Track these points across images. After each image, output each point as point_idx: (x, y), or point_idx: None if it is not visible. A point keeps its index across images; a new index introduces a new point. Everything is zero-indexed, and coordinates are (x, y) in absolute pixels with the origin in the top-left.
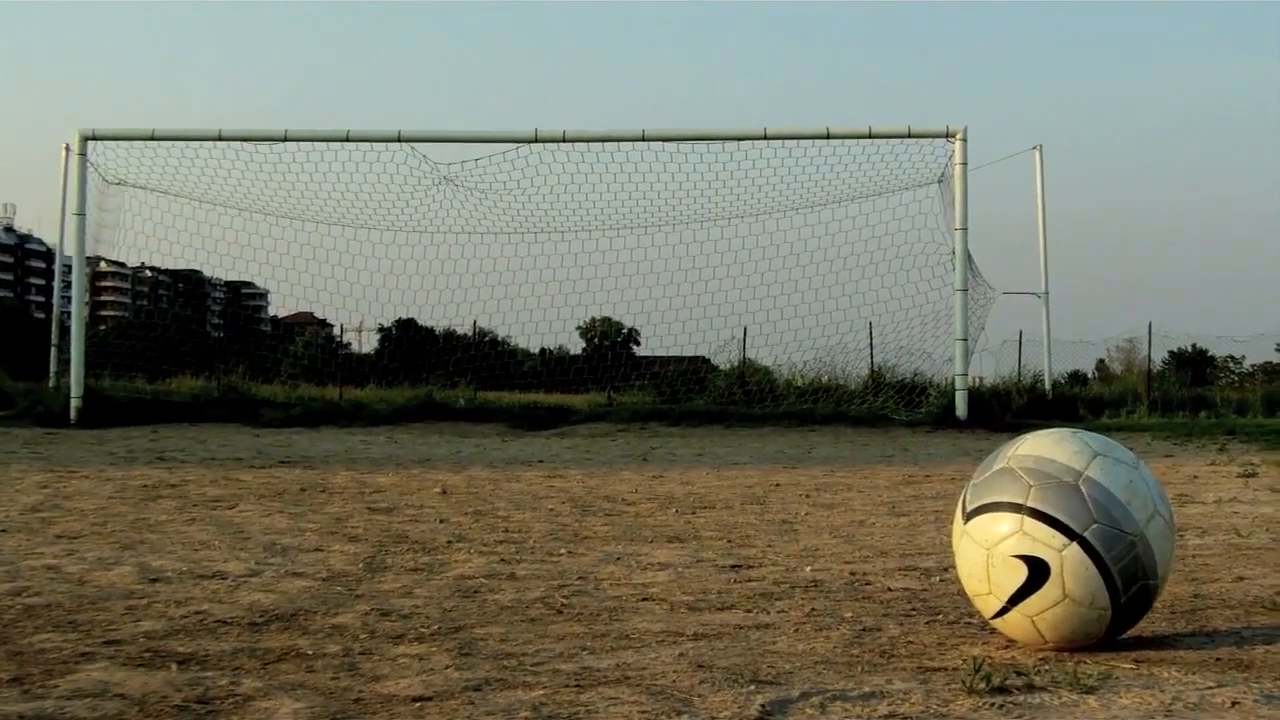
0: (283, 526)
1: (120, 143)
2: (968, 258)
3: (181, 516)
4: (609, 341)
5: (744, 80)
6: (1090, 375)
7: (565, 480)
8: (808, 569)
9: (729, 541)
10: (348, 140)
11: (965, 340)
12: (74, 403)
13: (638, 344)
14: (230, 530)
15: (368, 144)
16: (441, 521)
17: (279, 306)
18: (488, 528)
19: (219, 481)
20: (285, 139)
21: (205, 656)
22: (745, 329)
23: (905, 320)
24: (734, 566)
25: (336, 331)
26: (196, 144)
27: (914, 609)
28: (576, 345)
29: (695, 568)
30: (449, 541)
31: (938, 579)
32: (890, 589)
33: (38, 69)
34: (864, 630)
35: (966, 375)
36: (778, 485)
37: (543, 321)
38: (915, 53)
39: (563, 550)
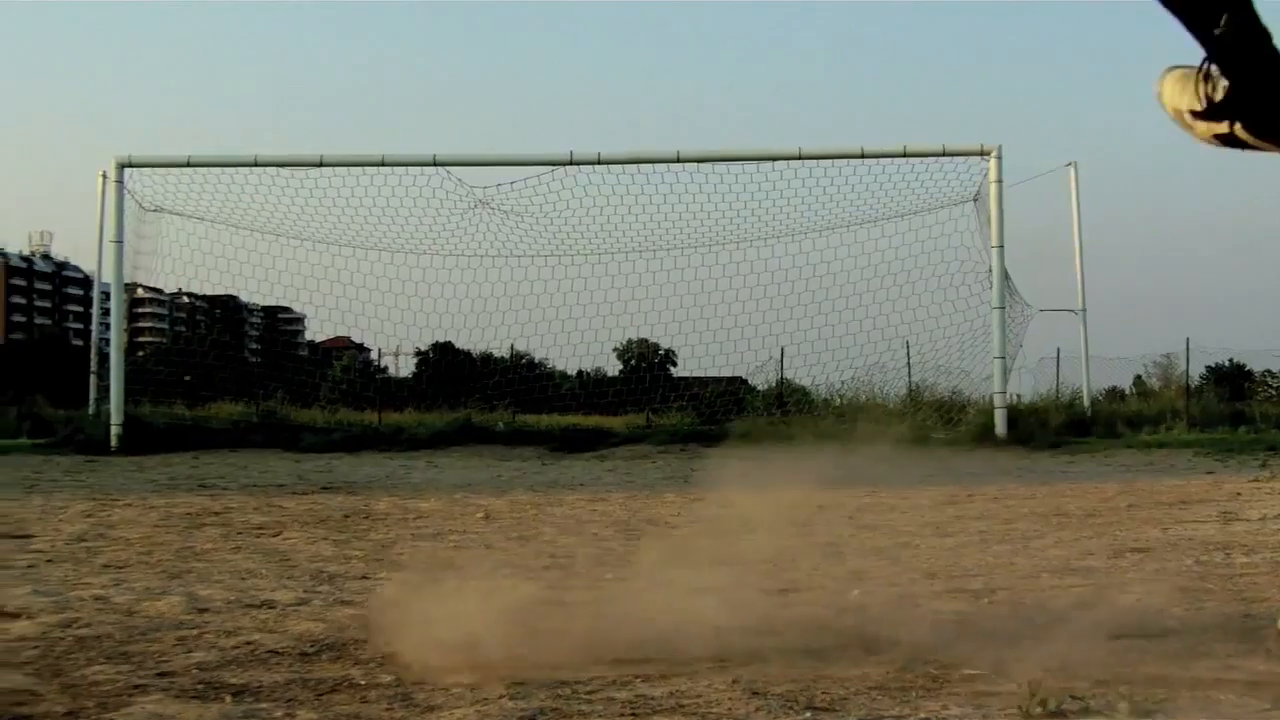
0: (329, 554)
1: (157, 170)
2: (1005, 275)
3: (227, 545)
4: (646, 363)
5: (779, 101)
6: (1128, 391)
7: (608, 504)
8: (855, 592)
9: (775, 565)
10: (383, 165)
11: (1003, 358)
12: (114, 430)
13: (674, 365)
14: (276, 558)
15: (403, 168)
16: (487, 547)
17: (316, 331)
18: (533, 553)
19: (262, 508)
20: (321, 164)
21: (259, 688)
22: (783, 349)
23: (943, 339)
24: (781, 590)
25: (374, 355)
26: (232, 170)
27: (964, 631)
28: (614, 367)
29: (743, 592)
30: (495, 567)
31: (987, 600)
32: (940, 611)
33: (72, 97)
34: (915, 655)
35: (1005, 393)
36: (821, 507)
37: (580, 344)
38: (949, 71)
39: (610, 575)
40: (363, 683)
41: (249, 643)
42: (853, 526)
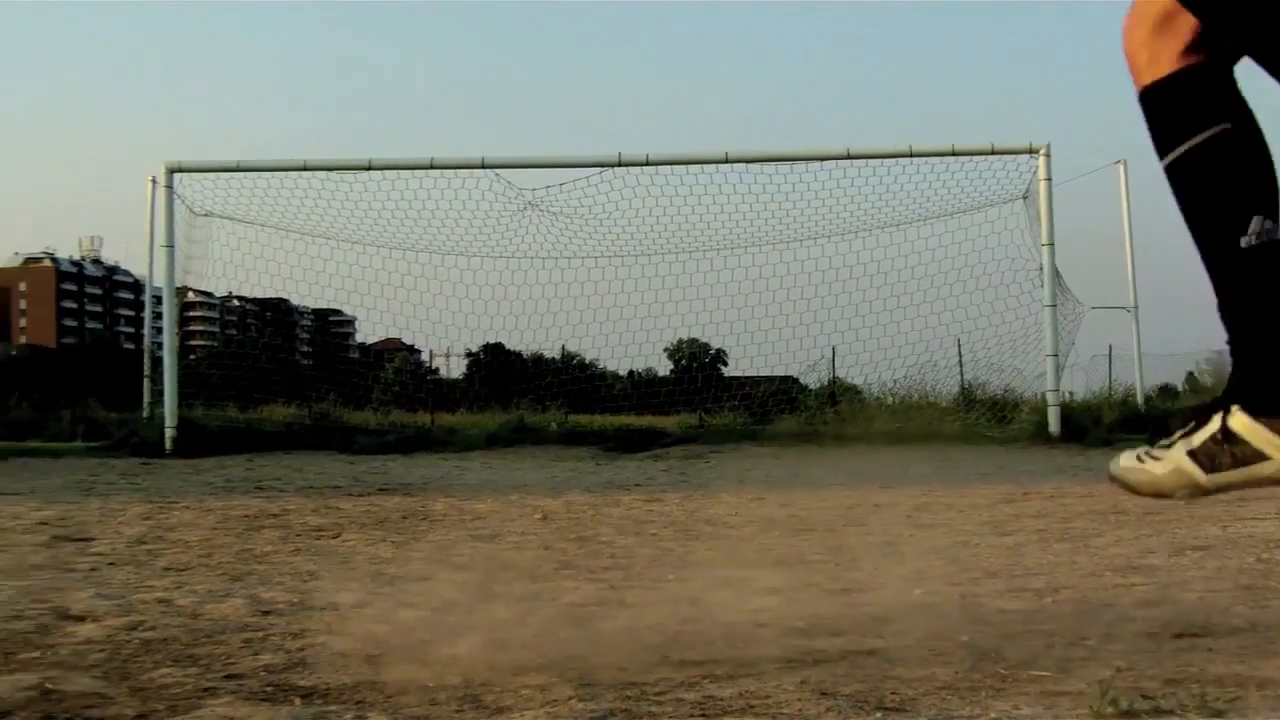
0: (388, 555)
1: (206, 174)
2: (1055, 273)
3: (286, 547)
4: (697, 362)
5: (826, 100)
6: (1181, 388)
7: (664, 504)
8: (917, 591)
9: (836, 565)
10: (432, 168)
11: (1056, 356)
12: (169, 433)
13: (725, 364)
14: (337, 560)
15: (452, 171)
16: (546, 548)
17: (367, 333)
18: (593, 554)
19: (320, 510)
20: (369, 168)
21: (327, 690)
22: (834, 348)
23: (995, 337)
24: (843, 590)
25: (425, 357)
26: (281, 174)
27: (1029, 630)
28: (664, 367)
29: (805, 592)
30: (555, 569)
31: (1050, 600)
32: (1003, 610)
33: (121, 103)
34: (982, 655)
35: (1058, 391)
36: (877, 506)
37: (631, 344)
38: (997, 69)
39: (671, 576)
40: (431, 684)
41: (314, 645)
42: (911, 525)
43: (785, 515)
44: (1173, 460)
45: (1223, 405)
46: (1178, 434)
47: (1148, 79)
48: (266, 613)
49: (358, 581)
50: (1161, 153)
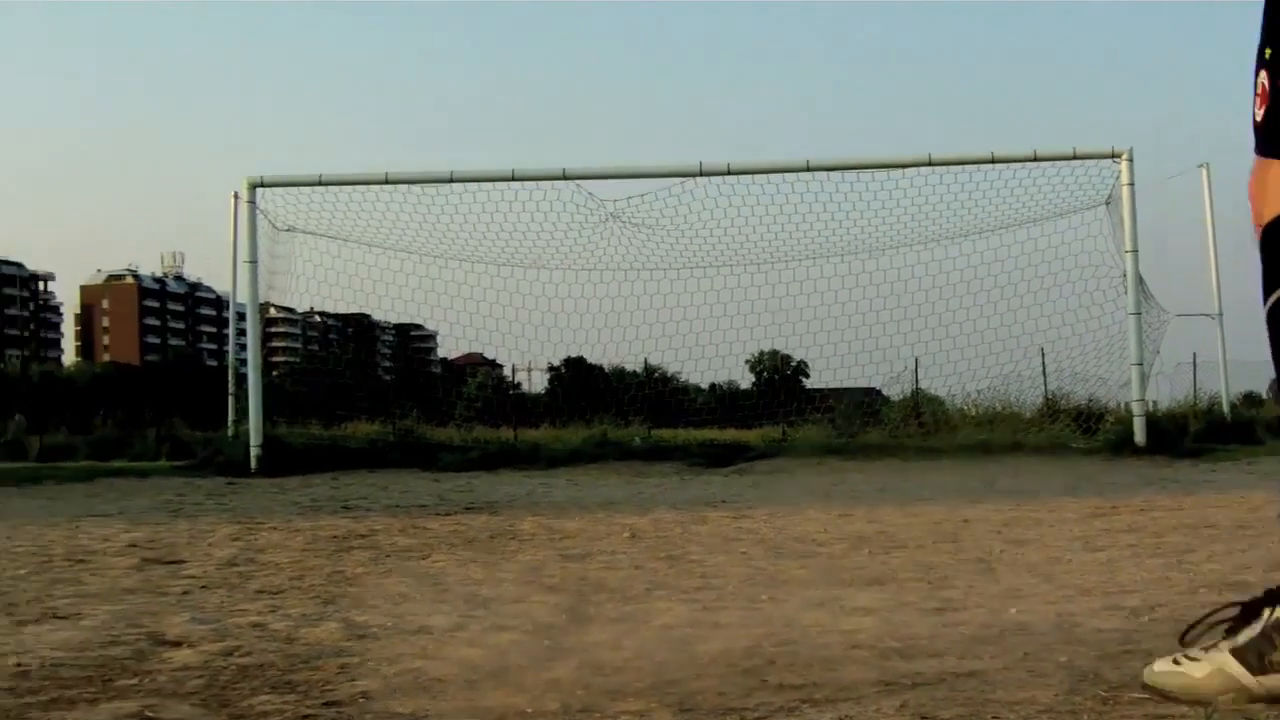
0: (479, 576)
1: (289, 189)
2: (1139, 280)
3: (377, 568)
4: (779, 375)
5: (906, 107)
6: (1265, 396)
7: (752, 520)
8: (1013, 610)
9: (929, 583)
10: (513, 179)
11: (1141, 365)
12: (254, 451)
13: (807, 376)
14: (428, 581)
15: (533, 182)
16: (636, 568)
17: (449, 348)
18: (683, 573)
19: (408, 530)
20: (451, 180)
21: (426, 716)
22: (917, 359)
23: (1079, 346)
24: (938, 609)
25: (507, 372)
26: (363, 188)
27: (1128, 650)
28: (746, 379)
29: (900, 612)
30: (647, 589)
31: (1146, 618)
32: (1100, 630)
33: (199, 118)
34: (1081, 676)
35: (1144, 401)
36: (966, 521)
37: (715, 357)
38: (1077, 73)
39: (764, 596)
40: (529, 710)
41: (411, 670)
42: (1002, 541)
43: (874, 532)
44: (1214, 662)
45: (1273, 600)
46: (1220, 635)
47: (1269, 216)
48: (361, 636)
49: (450, 604)
50: (1267, 292)
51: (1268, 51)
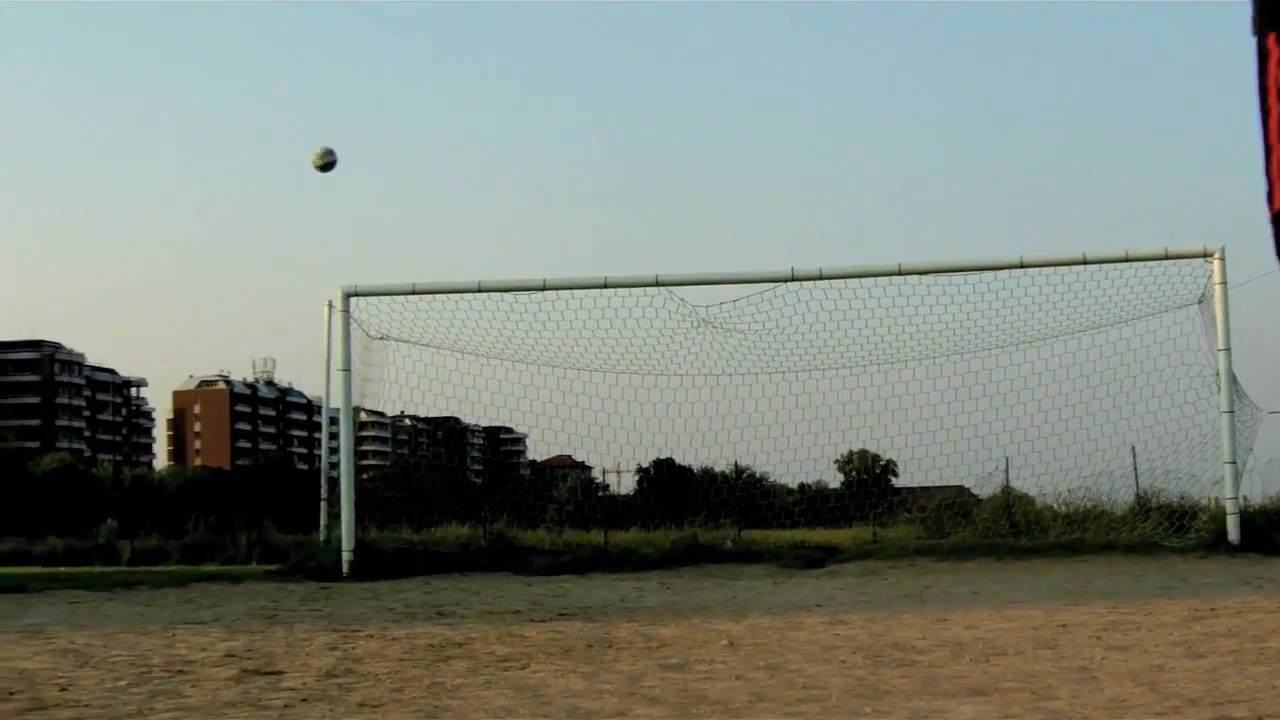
0: (579, 688)
1: (382, 298)
2: (1232, 378)
3: (476, 680)
4: (868, 474)
5: (996, 210)
6: None
7: (848, 626)
8: None
9: (1032, 693)
10: (605, 286)
11: (1234, 463)
12: (345, 556)
13: (895, 475)
14: (528, 694)
15: (625, 289)
16: (737, 678)
17: (539, 451)
18: (784, 684)
19: (504, 638)
20: (544, 288)
21: None
22: (1008, 458)
23: (1171, 444)
24: None
25: (595, 474)
26: (456, 296)
27: None
28: (835, 478)
29: None
30: (750, 701)
31: None
32: None
33: (292, 230)
34: None
35: (1238, 498)
36: (1064, 626)
37: (806, 460)
38: (1167, 173)
39: (867, 709)
40: None
41: None
42: (1101, 647)
43: (972, 638)
44: None
45: None
46: None
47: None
48: None
49: (553, 718)
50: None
51: None
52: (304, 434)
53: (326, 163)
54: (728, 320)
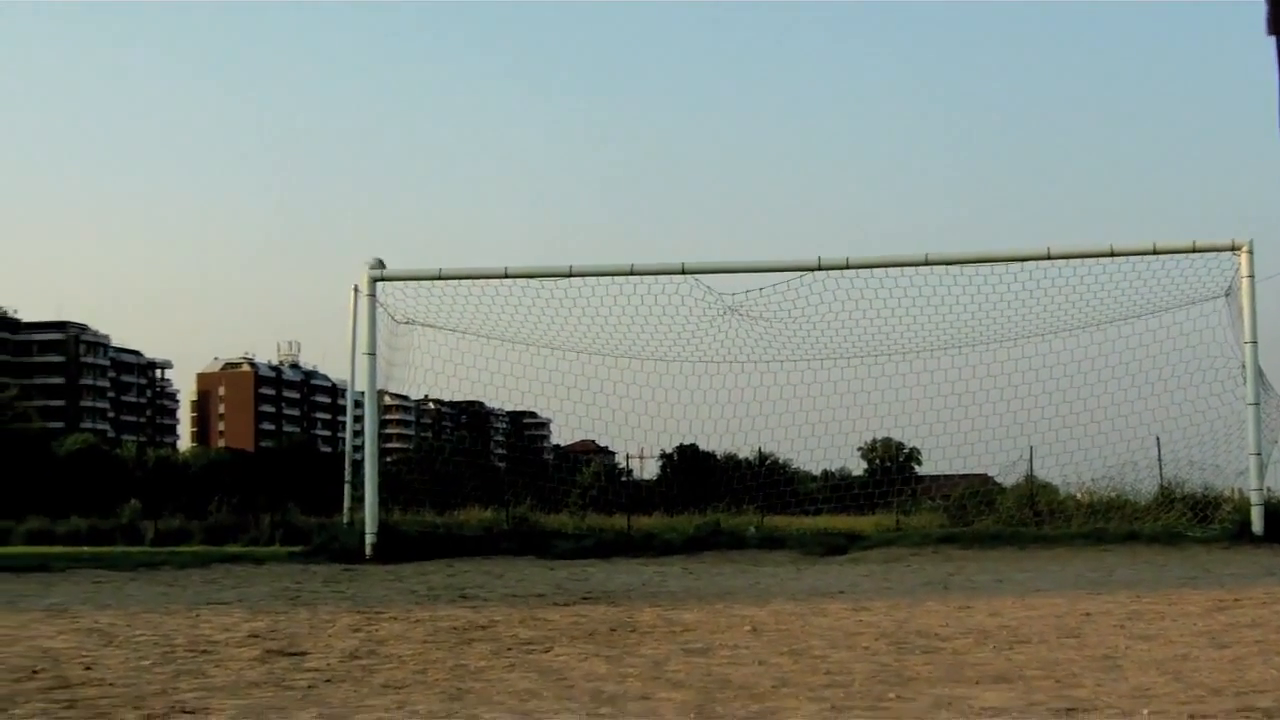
0: (603, 672)
1: (408, 282)
2: (1259, 370)
3: (500, 662)
4: (891, 462)
5: (1023, 202)
6: None
7: (872, 613)
8: (1145, 711)
9: (1056, 681)
10: (632, 274)
11: (1259, 454)
12: (369, 538)
13: (919, 463)
14: (552, 677)
15: (652, 277)
16: (760, 664)
17: (562, 436)
18: (808, 669)
19: (527, 621)
20: (570, 274)
21: None
22: (1032, 447)
23: (1195, 434)
24: (1068, 710)
25: (619, 459)
26: (482, 281)
27: None
28: (858, 466)
29: (1029, 713)
30: (774, 686)
31: None
32: None
33: (318, 214)
34: None
35: (1262, 489)
36: (1088, 614)
37: (830, 447)
38: (1196, 167)
39: (891, 695)
40: None
41: None
42: (1125, 636)
43: (996, 625)
44: None
45: None
46: None
47: None
48: None
49: (577, 701)
50: None
51: None
52: (328, 417)
53: None
54: (754, 308)
